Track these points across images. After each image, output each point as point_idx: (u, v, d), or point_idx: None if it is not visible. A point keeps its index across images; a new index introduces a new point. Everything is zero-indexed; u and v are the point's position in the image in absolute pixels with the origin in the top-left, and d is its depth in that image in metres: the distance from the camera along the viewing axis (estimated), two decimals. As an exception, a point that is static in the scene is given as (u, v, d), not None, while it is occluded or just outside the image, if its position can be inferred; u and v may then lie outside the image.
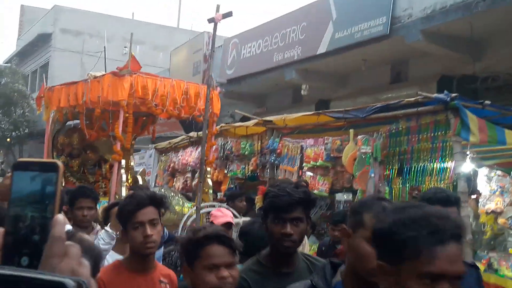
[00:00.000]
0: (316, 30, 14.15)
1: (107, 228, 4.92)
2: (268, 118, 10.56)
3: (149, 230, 3.38)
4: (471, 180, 7.64)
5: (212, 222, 5.83)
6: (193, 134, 12.98)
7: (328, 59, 13.97)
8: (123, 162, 8.94)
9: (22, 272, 0.74)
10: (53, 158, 9.79)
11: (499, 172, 8.49)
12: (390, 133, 7.99)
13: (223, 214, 6.21)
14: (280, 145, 10.09)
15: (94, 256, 2.59)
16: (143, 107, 8.90)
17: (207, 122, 8.09)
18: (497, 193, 8.21)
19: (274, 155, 10.16)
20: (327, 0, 14.08)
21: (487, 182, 8.42)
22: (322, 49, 13.93)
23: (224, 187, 11.72)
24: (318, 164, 9.30)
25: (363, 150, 8.17)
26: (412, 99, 7.67)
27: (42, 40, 34.53)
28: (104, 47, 26.08)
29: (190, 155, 12.56)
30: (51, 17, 34.19)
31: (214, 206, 7.99)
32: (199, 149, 12.52)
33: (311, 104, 15.02)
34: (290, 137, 10.16)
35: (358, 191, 8.33)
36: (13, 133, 30.90)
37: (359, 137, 8.38)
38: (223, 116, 16.27)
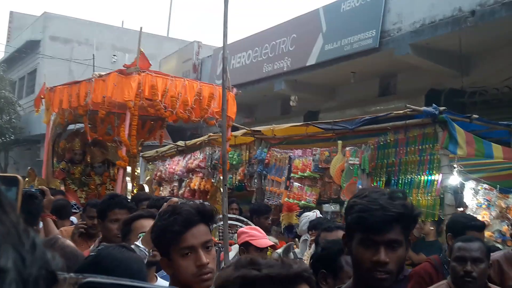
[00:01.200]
0: (305, 42, 14.21)
1: (138, 243, 3.52)
2: (256, 128, 10.58)
3: (204, 257, 2.49)
4: (458, 193, 7.65)
5: (248, 243, 4.88)
6: (180, 143, 12.96)
7: (317, 70, 14.02)
8: (129, 169, 8.17)
9: (127, 281, 0.73)
10: (53, 164, 9.35)
11: (485, 186, 8.50)
12: (378, 145, 8.03)
13: (262, 235, 5.06)
14: (268, 155, 10.10)
15: (75, 262, 2.51)
16: (151, 109, 8.18)
17: (225, 124, 6.57)
18: (483, 206, 8.23)
19: (262, 165, 10.16)
20: (317, 12, 14.17)
21: (473, 195, 8.43)
22: (311, 61, 13.99)
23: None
24: (306, 174, 9.31)
25: (351, 162, 8.21)
26: (401, 112, 7.73)
27: (31, 47, 34.35)
28: (93, 54, 26.04)
29: (178, 164, 12.53)
30: (40, 24, 34.07)
31: (240, 220, 7.54)
32: (187, 158, 12.54)
33: (300, 115, 15.05)
34: (279, 147, 10.17)
35: (345, 202, 8.34)
36: (-1, 139, 30.67)
37: (347, 148, 8.42)
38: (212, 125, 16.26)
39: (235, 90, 8.70)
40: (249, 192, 10.59)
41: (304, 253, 6.07)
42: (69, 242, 2.99)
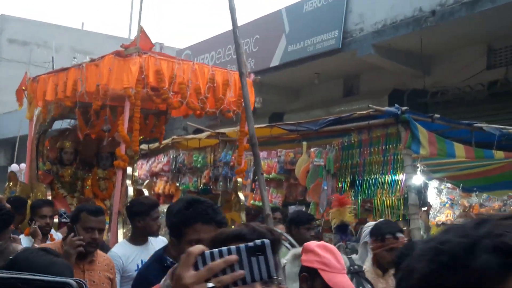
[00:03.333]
0: (269, 43, 14.23)
1: None
2: (221, 131, 10.53)
3: None
4: (421, 192, 7.75)
5: (318, 272, 3.07)
6: (143, 146, 12.87)
7: (281, 72, 14.03)
8: (129, 170, 6.75)
9: (34, 275, 0.75)
10: (37, 166, 8.06)
11: (448, 185, 8.66)
12: (343, 146, 8.07)
13: (340, 266, 3.15)
14: (233, 157, 10.09)
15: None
16: (157, 99, 6.78)
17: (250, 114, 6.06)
18: (447, 205, 8.38)
19: (227, 167, 10.14)
20: (280, 13, 14.21)
21: (437, 194, 8.59)
22: (275, 62, 14.01)
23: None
24: (271, 176, 9.33)
25: (316, 163, 8.24)
26: (364, 112, 7.77)
27: (-13, 50, 33.79)
28: (52, 57, 25.63)
29: (141, 168, 12.42)
30: (-3, 26, 33.51)
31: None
32: (150, 161, 12.46)
33: (264, 117, 15.06)
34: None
35: (311, 204, 8.40)
36: (-44, 145, 30.10)
37: (312, 149, 8.45)
38: (176, 128, 16.18)
39: (253, 76, 7.42)
40: (215, 195, 10.57)
41: (364, 259, 4.62)
42: (21, 247, 3.54)
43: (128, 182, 6.56)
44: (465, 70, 11.45)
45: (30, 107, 8.13)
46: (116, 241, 5.92)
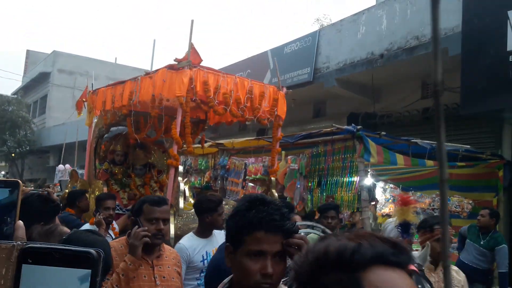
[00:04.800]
0: (257, 76, 14.19)
1: None
2: (220, 141, 10.54)
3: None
4: (371, 190, 7.77)
5: None
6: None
7: (266, 98, 14.02)
8: (181, 168, 6.12)
9: (64, 246, 0.74)
10: (95, 165, 7.46)
11: (391, 185, 8.68)
12: (312, 155, 8.06)
13: None
14: (229, 162, 10.08)
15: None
16: (204, 106, 6.20)
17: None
18: (390, 201, 8.40)
19: (224, 169, 10.13)
20: (266, 53, 14.25)
21: (382, 192, 8.60)
22: (261, 90, 14.01)
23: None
24: (257, 177, 9.31)
25: (292, 167, 8.24)
26: (328, 129, 7.76)
27: (43, 77, 33.61)
28: (92, 84, 25.56)
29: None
30: (50, 60, 33.37)
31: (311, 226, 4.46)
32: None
33: (253, 132, 15.06)
34: (237, 156, 10.16)
35: (287, 198, 8.39)
36: (17, 150, 29.86)
37: (289, 157, 8.45)
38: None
39: (285, 89, 6.90)
40: (214, 190, 10.54)
41: (426, 259, 3.31)
42: (66, 230, 2.88)
43: (179, 178, 5.93)
44: (405, 99, 11.53)
45: (89, 115, 7.62)
46: (169, 231, 5.20)
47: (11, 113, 29.26)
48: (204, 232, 4.21)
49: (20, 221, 0.88)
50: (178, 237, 5.02)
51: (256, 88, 6.35)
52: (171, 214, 5.31)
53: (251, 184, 9.42)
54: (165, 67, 5.86)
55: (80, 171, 9.75)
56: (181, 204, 5.63)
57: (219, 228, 4.25)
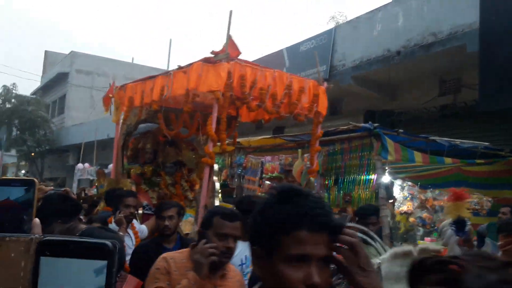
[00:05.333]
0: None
1: None
2: (236, 140, 10.55)
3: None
4: (389, 188, 7.72)
5: None
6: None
7: (282, 96, 13.99)
8: (216, 167, 5.44)
9: (81, 238, 0.76)
10: (122, 165, 7.02)
11: (409, 183, 8.61)
12: (329, 153, 8.05)
13: None
14: (245, 160, 10.11)
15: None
16: (238, 102, 5.74)
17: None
18: (408, 198, 8.32)
19: (241, 168, 10.16)
20: (282, 52, 14.24)
21: (400, 190, 8.52)
22: (278, 89, 13.99)
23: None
24: (274, 175, 9.33)
25: (308, 165, 8.23)
26: (345, 127, 7.75)
27: (61, 78, 34.02)
28: (109, 84, 25.78)
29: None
30: (69, 60, 33.75)
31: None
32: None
33: (269, 130, 15.06)
34: (253, 154, 10.19)
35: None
36: (36, 149, 30.28)
37: (305, 155, 8.43)
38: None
39: (326, 84, 6.38)
40: (231, 188, 10.59)
41: None
42: (85, 227, 3.01)
43: (214, 178, 5.46)
44: (422, 96, 11.45)
45: (116, 112, 7.17)
46: None
47: (30, 113, 29.68)
48: (243, 234, 3.82)
49: (36, 219, 0.90)
50: None
51: (296, 82, 5.87)
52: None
53: (267, 182, 9.44)
54: (201, 60, 5.40)
55: (106, 170, 9.73)
56: (216, 204, 5.21)
57: (237, 236, 3.78)
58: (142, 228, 5.36)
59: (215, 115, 5.28)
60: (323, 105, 6.20)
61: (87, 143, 22.70)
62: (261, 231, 1.32)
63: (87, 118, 29.43)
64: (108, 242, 0.75)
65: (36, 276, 0.74)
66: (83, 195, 7.71)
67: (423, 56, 10.15)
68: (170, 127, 6.59)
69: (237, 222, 2.76)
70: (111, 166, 18.55)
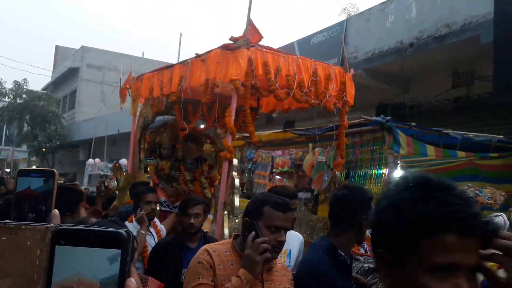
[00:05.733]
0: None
1: None
2: (246, 134, 10.58)
3: None
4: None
5: None
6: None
7: (293, 90, 13.98)
8: (235, 161, 5.28)
9: (94, 227, 0.78)
10: (139, 159, 6.74)
11: (422, 177, 8.58)
12: (340, 147, 8.04)
13: None
14: (256, 155, 10.12)
15: None
16: (264, 91, 5.18)
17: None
18: (420, 193, 8.31)
19: (251, 163, 10.18)
20: (293, 44, 14.20)
21: (413, 185, 8.52)
22: (288, 82, 13.97)
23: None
24: (284, 170, 9.34)
25: (319, 159, 8.23)
26: (357, 121, 7.74)
27: (72, 73, 34.27)
28: (120, 78, 25.93)
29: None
30: (79, 55, 33.96)
31: None
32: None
33: (280, 124, 15.08)
34: (264, 149, 10.20)
35: (315, 191, 8.39)
36: (47, 144, 30.56)
37: (316, 149, 8.45)
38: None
39: (352, 70, 6.07)
40: (241, 184, 10.61)
41: None
42: (95, 220, 2.99)
43: (234, 173, 5.08)
44: (435, 89, 11.36)
45: (133, 104, 6.91)
46: (223, 234, 4.74)
47: (41, 108, 29.94)
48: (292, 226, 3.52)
49: (55, 210, 0.92)
50: None
51: (321, 69, 5.49)
52: (224, 214, 4.85)
53: (278, 177, 9.46)
54: (219, 47, 5.03)
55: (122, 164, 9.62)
56: (237, 202, 4.85)
57: (290, 228, 3.28)
58: (161, 228, 5.11)
59: (234, 105, 4.96)
60: (350, 94, 5.82)
61: (97, 139, 22.88)
62: (391, 232, 1.09)
63: (97, 113, 29.64)
64: (122, 231, 0.77)
65: (51, 264, 0.76)
66: (103, 187, 7.46)
67: (436, 48, 10.07)
68: (187, 119, 6.22)
69: (289, 212, 2.51)
70: (121, 161, 18.66)
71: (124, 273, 0.75)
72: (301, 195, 8.85)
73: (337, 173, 6.26)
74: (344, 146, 6.30)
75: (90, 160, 20.69)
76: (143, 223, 4.51)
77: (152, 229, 4.78)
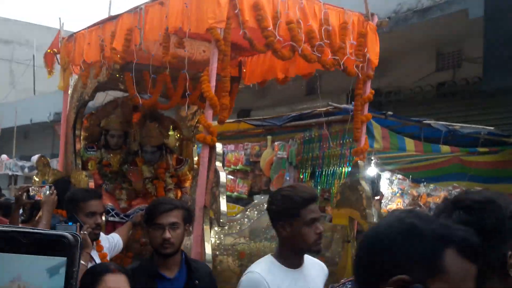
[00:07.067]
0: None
1: None
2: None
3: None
4: (375, 183, 7.82)
5: None
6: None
7: (248, 71, 13.98)
8: (219, 147, 4.28)
9: (33, 229, 0.76)
10: (75, 152, 5.78)
11: (399, 176, 8.75)
12: (304, 140, 8.10)
13: None
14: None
15: None
16: (259, 44, 4.38)
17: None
18: (397, 194, 8.48)
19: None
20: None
21: (389, 185, 8.67)
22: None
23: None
24: (238, 168, 9.36)
25: (279, 155, 8.28)
26: (324, 109, 7.78)
27: (-29, 47, 33.15)
28: (33, 55, 25.24)
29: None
30: (-20, 26, 32.87)
31: None
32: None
33: (233, 113, 15.01)
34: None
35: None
36: None
37: (276, 143, 8.48)
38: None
39: (376, 18, 5.34)
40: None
41: None
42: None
43: (218, 164, 4.16)
44: (416, 72, 11.59)
45: (64, 75, 5.98)
46: (203, 252, 3.95)
47: None
48: (286, 255, 2.87)
49: None
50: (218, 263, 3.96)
51: (333, 15, 4.75)
52: (205, 222, 4.06)
53: (230, 176, 9.46)
54: None
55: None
56: (223, 205, 4.02)
57: (312, 250, 2.88)
58: (114, 239, 4.38)
59: (214, 66, 4.13)
60: (374, 50, 5.16)
61: (4, 130, 22.22)
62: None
63: (4, 98, 28.77)
64: (67, 234, 0.75)
65: None
66: (25, 198, 6.11)
67: (418, 24, 10.24)
68: (143, 93, 5.37)
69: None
70: (34, 157, 18.20)
71: (70, 287, 0.74)
72: (258, 198, 8.87)
73: (360, 162, 5.35)
74: (360, 126, 5.55)
75: (-6, 157, 20.08)
76: (86, 248, 3.59)
77: (95, 254, 3.87)
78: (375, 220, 7.71)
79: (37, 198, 4.12)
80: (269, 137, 8.64)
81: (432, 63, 11.67)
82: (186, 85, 4.57)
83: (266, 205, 3.87)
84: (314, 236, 2.76)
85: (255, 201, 5.58)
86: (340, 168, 7.63)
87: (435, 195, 8.15)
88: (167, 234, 3.25)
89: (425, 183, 8.58)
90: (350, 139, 7.42)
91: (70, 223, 3.63)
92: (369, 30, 5.05)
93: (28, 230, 0.75)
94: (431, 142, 7.87)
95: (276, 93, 15.20)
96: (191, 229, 3.88)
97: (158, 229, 3.29)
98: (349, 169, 7.55)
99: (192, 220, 3.70)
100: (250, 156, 9.27)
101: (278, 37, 4.27)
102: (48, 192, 4.06)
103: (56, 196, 4.06)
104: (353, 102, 7.55)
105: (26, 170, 18.67)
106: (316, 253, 2.90)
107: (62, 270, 0.74)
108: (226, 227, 4.17)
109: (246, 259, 4.01)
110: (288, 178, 8.17)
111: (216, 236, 4.13)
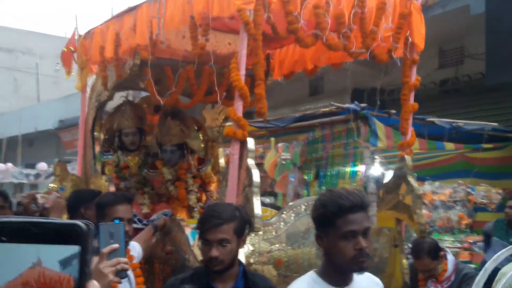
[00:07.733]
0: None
1: None
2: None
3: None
4: (379, 182, 7.82)
5: None
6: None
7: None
8: (251, 143, 3.82)
9: (45, 219, 0.76)
10: (94, 155, 5.51)
11: (404, 175, 8.74)
12: (307, 141, 8.07)
13: None
14: (206, 153, 10.09)
15: None
16: (281, 30, 3.98)
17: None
18: (403, 193, 8.46)
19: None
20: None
21: (394, 183, 8.66)
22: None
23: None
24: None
25: (283, 157, 8.29)
26: (327, 109, 7.78)
27: (-26, 57, 33.29)
28: (37, 63, 25.38)
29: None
30: (-17, 35, 33.01)
31: None
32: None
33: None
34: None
35: (279, 194, 8.44)
36: None
37: (280, 144, 8.49)
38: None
39: None
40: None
41: None
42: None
43: (251, 161, 3.74)
44: (418, 70, 11.50)
45: (82, 74, 5.67)
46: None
47: None
48: (330, 272, 2.48)
49: None
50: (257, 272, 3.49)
51: None
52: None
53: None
54: None
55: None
56: (257, 208, 3.57)
57: (356, 269, 2.41)
58: (134, 247, 4.04)
59: (243, 52, 3.71)
60: (419, 33, 4.68)
61: (9, 139, 22.32)
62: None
63: (9, 106, 28.88)
64: (79, 223, 0.75)
65: None
66: (33, 207, 6.01)
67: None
68: (164, 92, 5.08)
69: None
70: (41, 165, 18.25)
71: (84, 275, 0.74)
72: (262, 199, 8.87)
73: (407, 157, 4.73)
74: (408, 117, 5.07)
75: (1, 165, 20.17)
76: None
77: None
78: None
79: (46, 205, 4.04)
80: (272, 139, 8.64)
81: (435, 60, 11.66)
82: (213, 80, 4.28)
83: (303, 207, 4.02)
84: (352, 252, 2.30)
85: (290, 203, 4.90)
86: (344, 168, 7.61)
87: (440, 192, 8.14)
88: (214, 253, 2.93)
89: (429, 181, 8.57)
90: (354, 139, 7.42)
91: (116, 221, 2.92)
92: (414, 10, 4.54)
93: (41, 220, 0.75)
94: (435, 139, 7.87)
95: (280, 94, 15.22)
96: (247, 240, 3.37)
97: (207, 245, 2.99)
98: (354, 168, 7.57)
99: (247, 229, 3.20)
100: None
101: (302, 22, 3.86)
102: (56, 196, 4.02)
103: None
104: (355, 102, 7.59)
105: (31, 178, 18.76)
106: (358, 272, 2.40)
107: (77, 258, 0.74)
108: (260, 232, 3.76)
109: (284, 267, 3.72)
110: (292, 179, 8.18)
111: (250, 242, 3.71)
